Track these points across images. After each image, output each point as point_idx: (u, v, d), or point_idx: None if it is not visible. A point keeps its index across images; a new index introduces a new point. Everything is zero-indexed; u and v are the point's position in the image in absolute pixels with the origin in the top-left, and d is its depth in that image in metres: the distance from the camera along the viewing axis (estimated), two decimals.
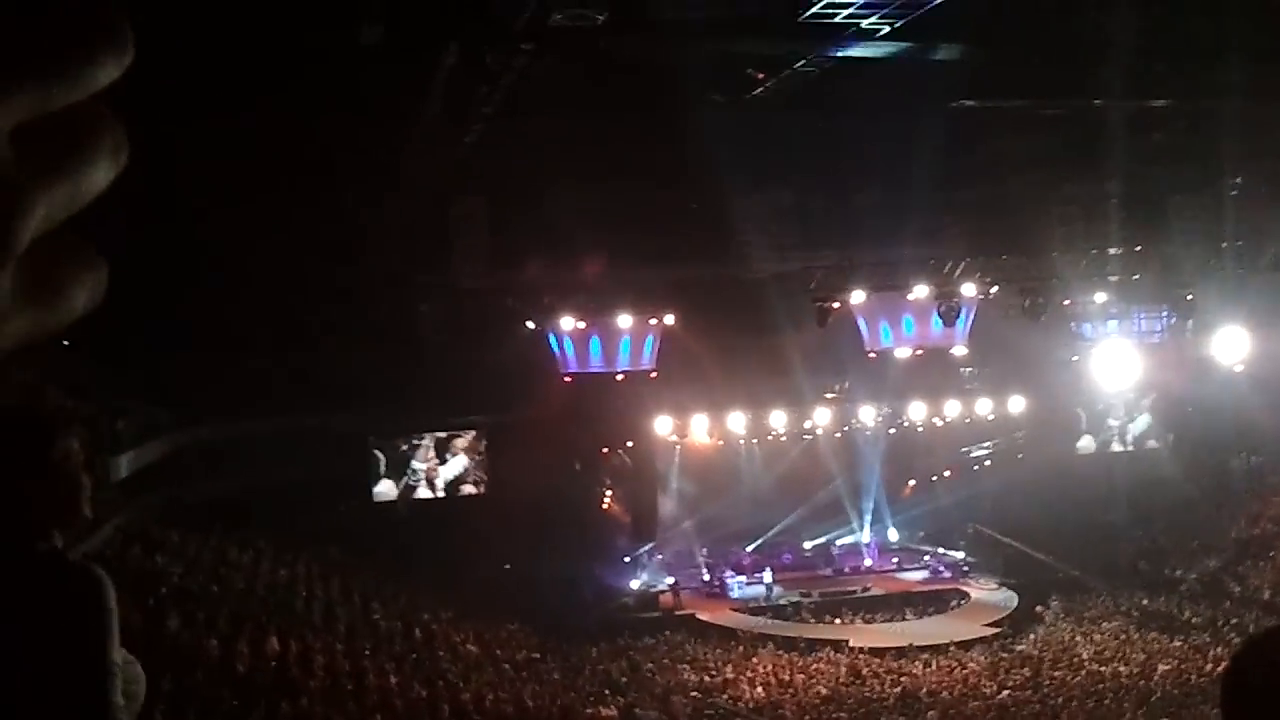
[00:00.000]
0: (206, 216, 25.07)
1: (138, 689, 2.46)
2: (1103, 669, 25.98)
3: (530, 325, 35.43)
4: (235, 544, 27.87)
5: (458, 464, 35.83)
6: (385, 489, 35.16)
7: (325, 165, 22.99)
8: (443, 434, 35.67)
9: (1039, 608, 31.94)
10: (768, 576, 34.64)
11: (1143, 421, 37.70)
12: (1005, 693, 24.50)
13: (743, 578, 34.91)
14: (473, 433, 35.77)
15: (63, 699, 2.22)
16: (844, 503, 38.02)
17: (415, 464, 35.50)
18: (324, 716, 18.09)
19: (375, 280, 31.15)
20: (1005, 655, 28.01)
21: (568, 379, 35.94)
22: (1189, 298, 31.60)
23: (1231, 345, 30.45)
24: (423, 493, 35.39)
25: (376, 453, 35.22)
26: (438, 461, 35.72)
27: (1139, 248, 32.95)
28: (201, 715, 14.64)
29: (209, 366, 30.42)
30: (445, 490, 35.53)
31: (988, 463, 38.43)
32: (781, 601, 33.78)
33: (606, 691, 25.50)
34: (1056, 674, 25.76)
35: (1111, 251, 33.21)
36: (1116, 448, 37.61)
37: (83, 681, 2.26)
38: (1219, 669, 24.38)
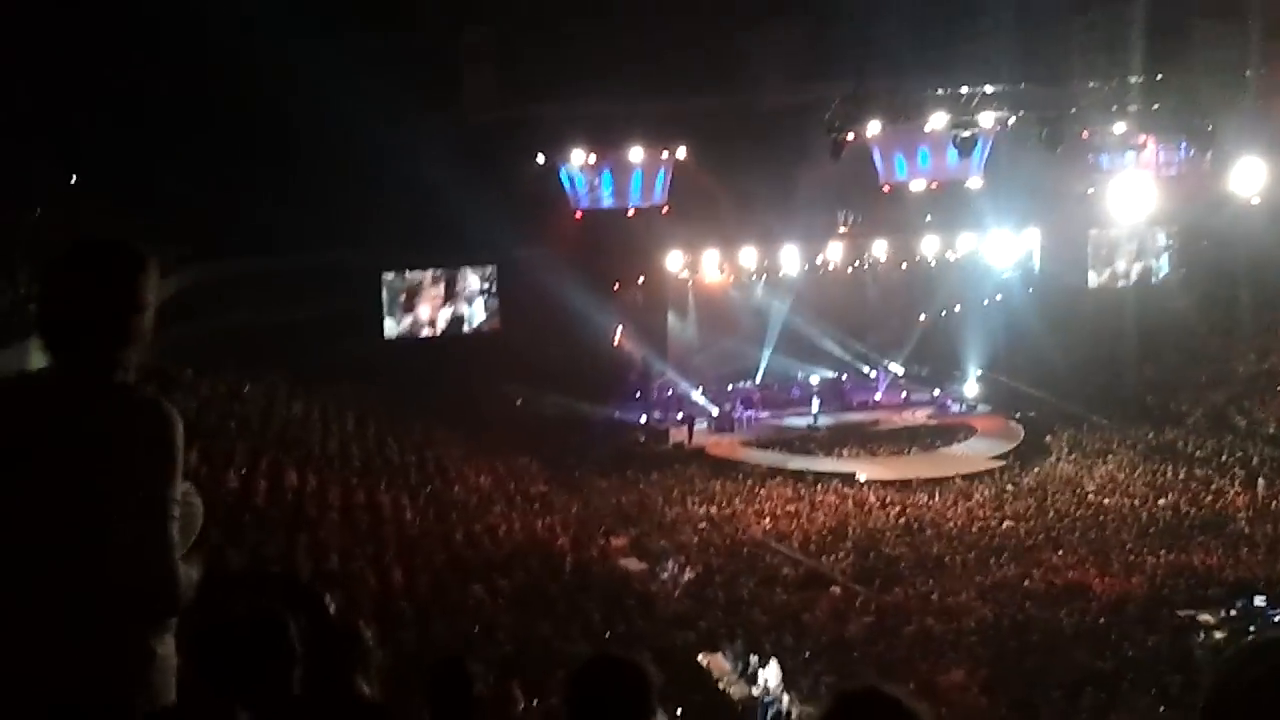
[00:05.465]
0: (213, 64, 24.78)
1: (194, 522, 2.53)
2: (1106, 500, 26.28)
3: (541, 160, 35.05)
4: (249, 380, 28.15)
5: (468, 301, 35.90)
6: (395, 325, 35.32)
7: None
8: (453, 270, 35.63)
9: (1046, 439, 32.15)
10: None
11: (1155, 255, 37.40)
12: (1008, 523, 24.88)
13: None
14: (484, 269, 35.71)
15: (124, 530, 2.27)
16: (851, 337, 38.05)
17: (425, 300, 35.59)
18: (341, 547, 18.51)
19: (383, 116, 30.76)
20: (1010, 487, 28.29)
21: (579, 215, 35.71)
22: (1209, 128, 30.91)
23: (1249, 177, 29.92)
24: (433, 329, 35.53)
25: (387, 289, 35.28)
26: (447, 298, 35.78)
27: (1159, 76, 32.16)
28: (221, 549, 14.97)
29: (220, 206, 30.40)
30: (455, 327, 35.66)
31: (999, 297, 38.21)
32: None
33: (617, 523, 26.01)
34: (1059, 505, 26.09)
35: (1132, 80, 32.42)
36: (1127, 281, 37.41)
37: (143, 516, 2.30)
38: (1219, 502, 24.80)
